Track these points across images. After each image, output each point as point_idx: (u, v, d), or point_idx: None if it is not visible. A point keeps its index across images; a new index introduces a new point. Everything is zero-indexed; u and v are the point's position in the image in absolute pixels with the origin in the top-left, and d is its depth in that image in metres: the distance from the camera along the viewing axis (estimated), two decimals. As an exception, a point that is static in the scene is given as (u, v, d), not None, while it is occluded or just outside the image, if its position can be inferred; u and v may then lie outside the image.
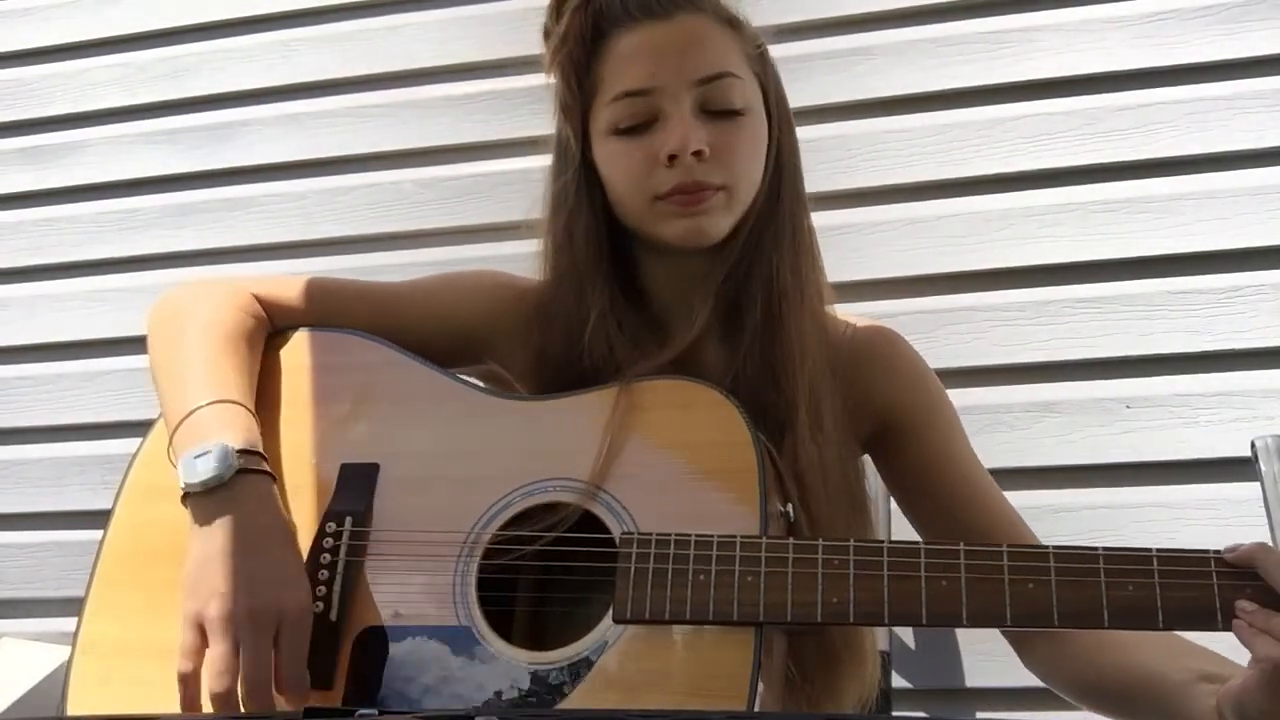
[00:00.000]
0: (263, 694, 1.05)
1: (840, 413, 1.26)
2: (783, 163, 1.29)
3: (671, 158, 1.19)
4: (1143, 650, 1.14)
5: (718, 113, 1.22)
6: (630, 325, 1.26)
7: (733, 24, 1.27)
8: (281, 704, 1.07)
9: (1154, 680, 1.12)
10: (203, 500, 1.11)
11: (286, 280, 1.36)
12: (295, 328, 1.32)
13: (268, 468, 1.16)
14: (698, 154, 1.19)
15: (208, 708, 1.06)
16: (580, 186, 1.26)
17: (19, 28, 2.30)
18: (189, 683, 1.06)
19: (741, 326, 1.25)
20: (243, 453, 1.13)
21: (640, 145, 1.22)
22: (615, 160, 1.23)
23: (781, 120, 1.29)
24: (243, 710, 1.05)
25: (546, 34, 1.30)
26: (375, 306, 1.35)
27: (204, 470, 1.10)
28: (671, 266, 1.29)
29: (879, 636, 1.36)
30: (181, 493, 1.12)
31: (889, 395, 1.31)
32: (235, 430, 1.14)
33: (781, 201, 1.28)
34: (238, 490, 1.11)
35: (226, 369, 1.22)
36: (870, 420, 1.31)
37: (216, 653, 1.05)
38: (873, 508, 1.30)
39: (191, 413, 1.16)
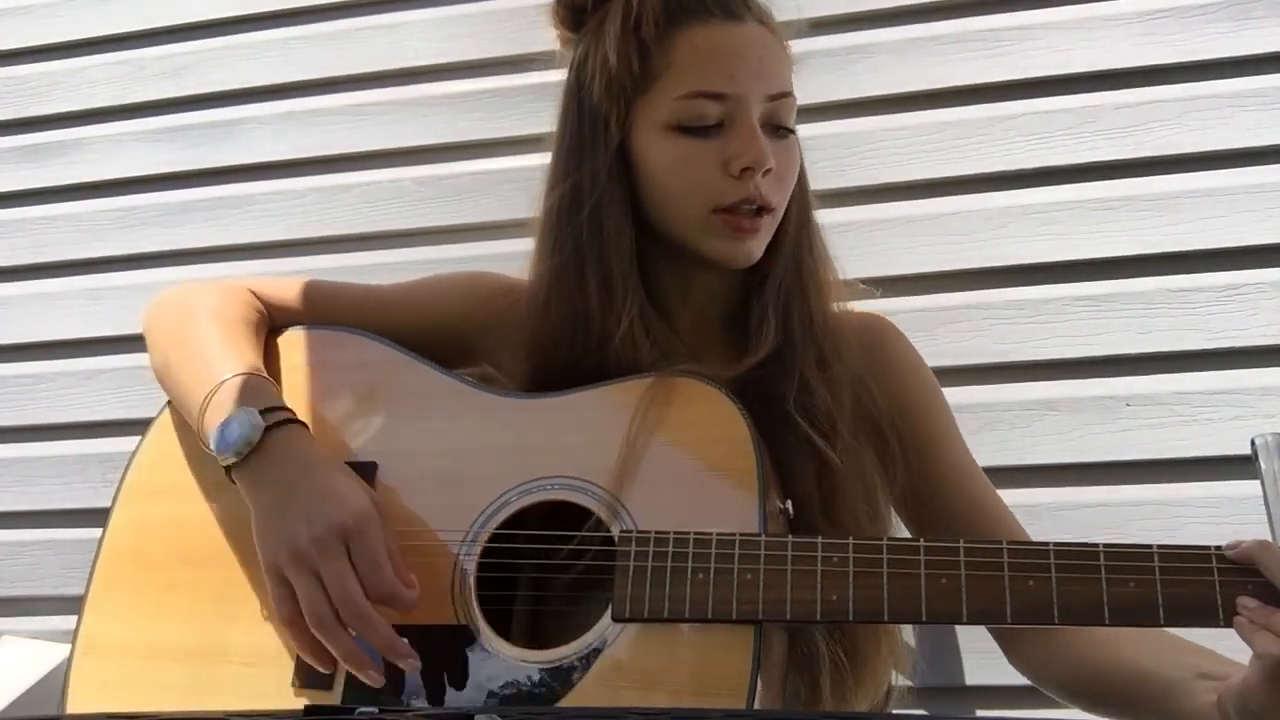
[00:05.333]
0: (358, 609, 1.05)
1: (874, 411, 1.27)
2: (802, 175, 1.29)
3: (744, 170, 1.18)
4: (1136, 648, 1.14)
5: (774, 131, 1.22)
6: (657, 334, 1.24)
7: (783, 43, 1.26)
8: (391, 617, 1.07)
9: (1149, 678, 1.12)
10: (243, 467, 1.13)
11: (281, 281, 1.37)
12: (292, 325, 1.33)
13: (294, 415, 1.17)
14: (768, 171, 1.19)
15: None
16: (612, 174, 1.23)
17: (17, 25, 2.29)
18: (295, 630, 1.07)
19: (758, 334, 1.25)
20: (266, 411, 1.14)
21: (707, 149, 1.19)
22: (675, 159, 1.20)
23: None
24: (357, 631, 1.05)
25: (577, 7, 1.26)
26: (368, 308, 1.35)
27: (233, 439, 1.12)
28: (691, 274, 1.28)
29: (907, 633, 1.36)
30: (224, 469, 1.14)
31: (883, 386, 1.31)
32: (253, 393, 1.16)
33: (808, 212, 1.30)
34: (272, 446, 1.13)
35: (241, 345, 1.23)
36: None
37: (301, 590, 1.06)
38: (883, 505, 1.29)
39: (215, 390, 1.17)
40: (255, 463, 1.13)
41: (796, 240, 1.27)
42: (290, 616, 1.07)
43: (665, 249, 1.26)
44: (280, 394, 1.21)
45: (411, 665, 1.08)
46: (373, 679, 1.08)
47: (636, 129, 1.22)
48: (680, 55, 1.20)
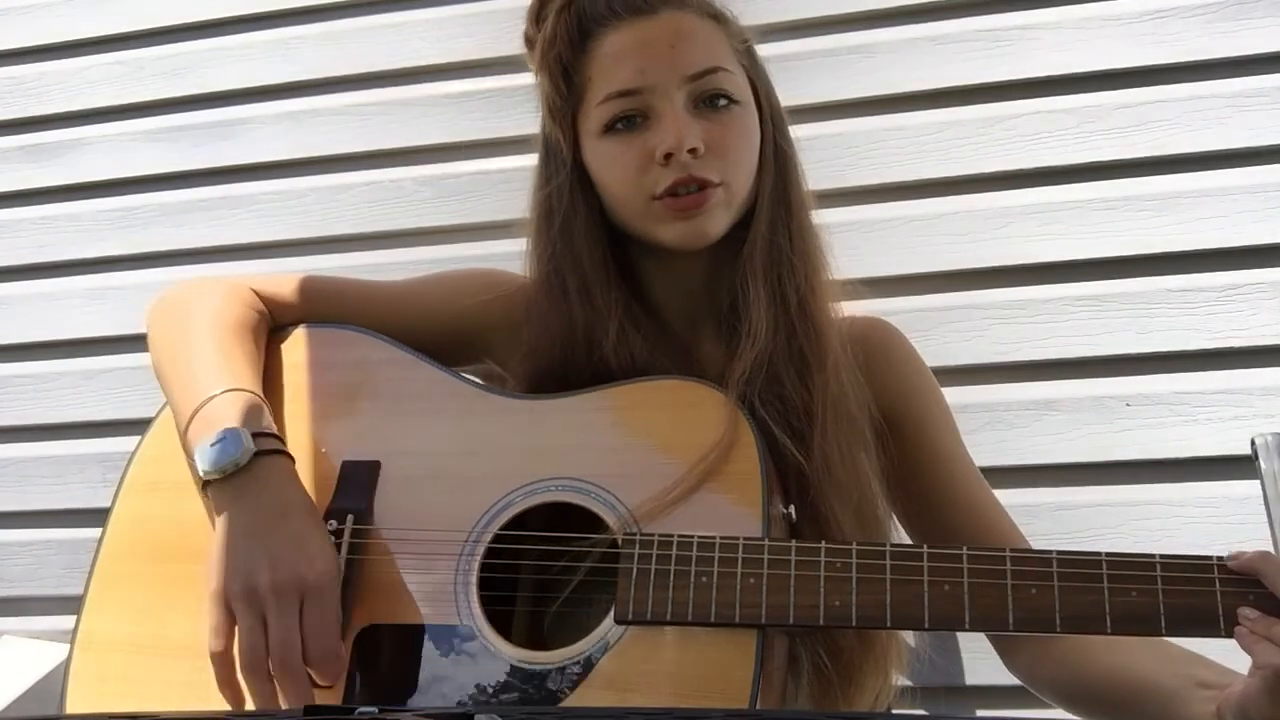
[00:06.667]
0: (292, 665, 1.05)
1: (858, 410, 1.26)
2: (780, 157, 1.29)
3: (667, 156, 1.19)
4: (1133, 655, 1.14)
5: (710, 107, 1.23)
6: (647, 331, 1.25)
7: (718, 19, 1.28)
8: (315, 678, 1.07)
9: (1146, 686, 1.12)
10: (223, 486, 1.13)
11: (284, 278, 1.37)
12: (295, 324, 1.33)
13: (283, 447, 1.17)
14: (693, 151, 1.19)
15: (242, 685, 1.07)
16: (574, 189, 1.26)
17: (17, 25, 2.29)
18: (222, 661, 1.07)
19: (745, 322, 1.24)
20: (257, 435, 1.14)
21: (633, 144, 1.22)
22: (608, 161, 1.23)
23: (774, 115, 1.29)
24: (278, 685, 1.05)
25: (529, 40, 1.30)
26: (372, 305, 1.35)
27: (221, 457, 1.12)
28: (673, 267, 1.28)
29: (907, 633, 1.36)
30: (201, 482, 1.14)
31: (884, 390, 1.31)
32: (248, 415, 1.16)
33: (788, 196, 1.28)
34: (256, 472, 1.13)
35: (236, 358, 1.23)
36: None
37: (244, 627, 1.06)
38: (882, 511, 1.29)
39: (204, 404, 1.17)
40: (236, 484, 1.13)
41: (771, 222, 1.26)
42: (223, 648, 1.07)
43: (641, 247, 1.28)
44: (271, 419, 1.19)
45: None
46: None
47: (581, 143, 1.26)
48: (598, 64, 1.23)
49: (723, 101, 1.23)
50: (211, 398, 1.17)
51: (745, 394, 1.19)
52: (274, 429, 1.18)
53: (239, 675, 1.06)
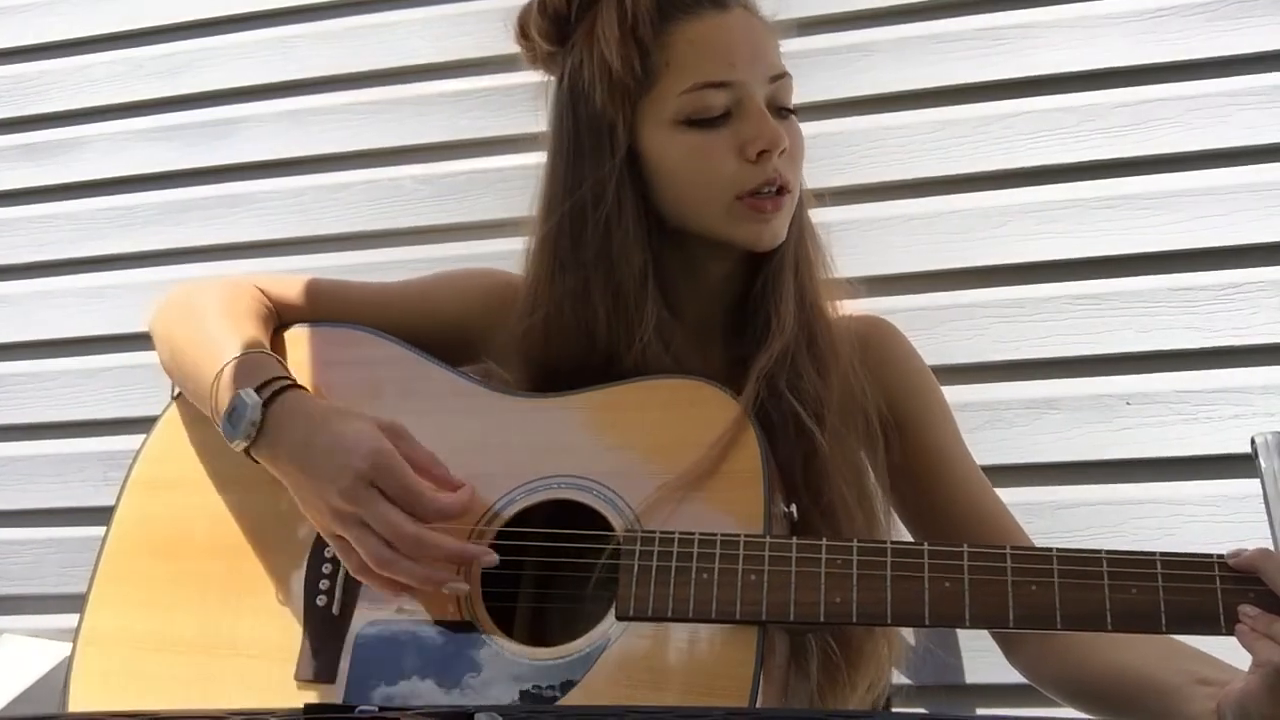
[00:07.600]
0: (413, 543, 1.07)
1: (868, 406, 1.27)
2: None
3: (761, 153, 1.18)
4: (1135, 651, 1.14)
5: (779, 111, 1.22)
6: (670, 341, 1.23)
7: (769, 25, 1.27)
8: (451, 541, 1.11)
9: (1147, 682, 1.12)
10: (258, 448, 1.15)
11: (287, 279, 1.37)
12: (299, 323, 1.33)
13: (290, 380, 1.17)
14: (783, 151, 1.19)
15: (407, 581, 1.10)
16: (622, 181, 1.21)
17: (16, 24, 2.29)
18: (368, 575, 1.11)
19: (754, 324, 1.24)
20: (261, 386, 1.15)
21: (719, 138, 1.19)
22: (689, 152, 1.20)
23: None
24: (427, 558, 1.08)
25: (557, 15, 1.24)
26: (375, 305, 1.35)
27: (239, 424, 1.14)
28: (701, 268, 1.27)
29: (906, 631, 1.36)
30: (246, 454, 1.16)
31: (884, 388, 1.30)
32: (250, 373, 1.17)
33: (801, 196, 1.28)
34: (274, 419, 1.14)
35: (246, 328, 1.24)
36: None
37: (356, 542, 1.09)
38: (881, 509, 1.29)
39: (220, 374, 1.18)
40: (266, 440, 1.14)
41: (800, 222, 1.27)
42: (359, 567, 1.10)
43: (678, 247, 1.25)
44: (280, 364, 1.20)
45: (489, 560, 1.11)
46: (456, 589, 1.11)
47: (643, 130, 1.21)
48: (679, 50, 1.19)
49: (790, 107, 1.24)
50: (224, 366, 1.18)
51: (772, 383, 1.19)
52: (279, 371, 1.18)
53: (396, 577, 1.08)
